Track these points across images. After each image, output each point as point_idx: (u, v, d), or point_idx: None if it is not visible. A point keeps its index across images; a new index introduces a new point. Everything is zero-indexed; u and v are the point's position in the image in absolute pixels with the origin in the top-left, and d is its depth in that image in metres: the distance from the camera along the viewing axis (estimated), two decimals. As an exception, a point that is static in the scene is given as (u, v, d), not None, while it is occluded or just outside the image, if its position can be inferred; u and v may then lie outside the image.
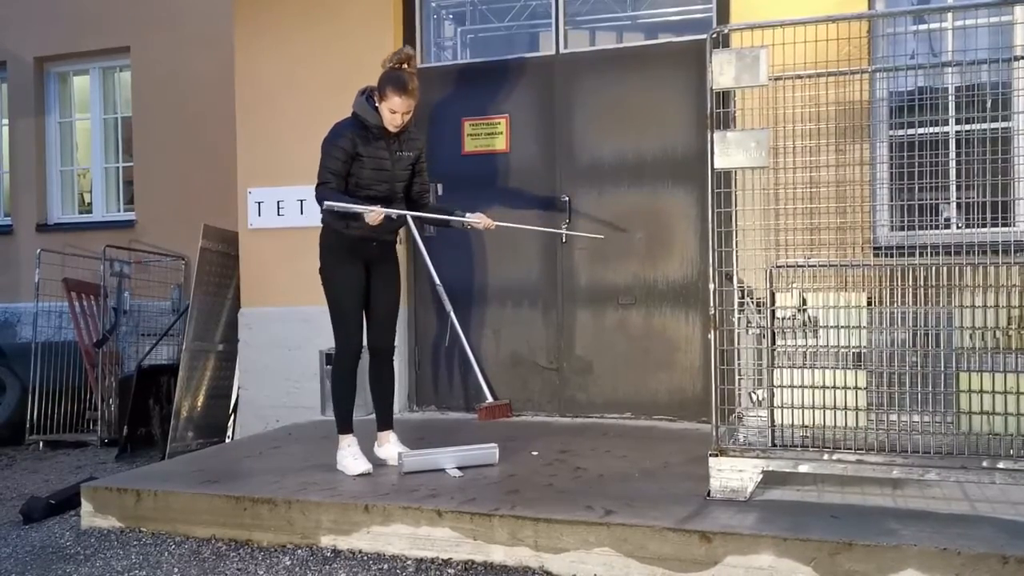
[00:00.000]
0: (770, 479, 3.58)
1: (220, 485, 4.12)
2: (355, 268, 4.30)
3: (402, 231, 4.72)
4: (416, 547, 3.58)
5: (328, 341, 5.58)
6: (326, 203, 4.08)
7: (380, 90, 4.15)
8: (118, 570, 3.62)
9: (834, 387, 3.45)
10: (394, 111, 4.13)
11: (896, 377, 3.45)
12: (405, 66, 4.19)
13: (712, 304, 3.53)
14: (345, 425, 4.32)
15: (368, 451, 4.34)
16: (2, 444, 6.98)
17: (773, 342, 3.53)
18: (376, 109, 4.16)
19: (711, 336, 3.55)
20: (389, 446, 4.41)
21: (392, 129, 4.20)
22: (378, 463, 4.34)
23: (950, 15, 4.57)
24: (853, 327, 3.50)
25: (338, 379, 4.37)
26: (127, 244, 7.79)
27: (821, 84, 4.07)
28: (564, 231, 5.47)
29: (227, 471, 4.49)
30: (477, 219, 4.51)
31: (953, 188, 4.37)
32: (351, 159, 4.15)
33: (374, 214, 4.07)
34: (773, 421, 3.49)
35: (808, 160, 4.15)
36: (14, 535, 4.27)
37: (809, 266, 3.72)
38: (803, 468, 3.43)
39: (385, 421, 4.45)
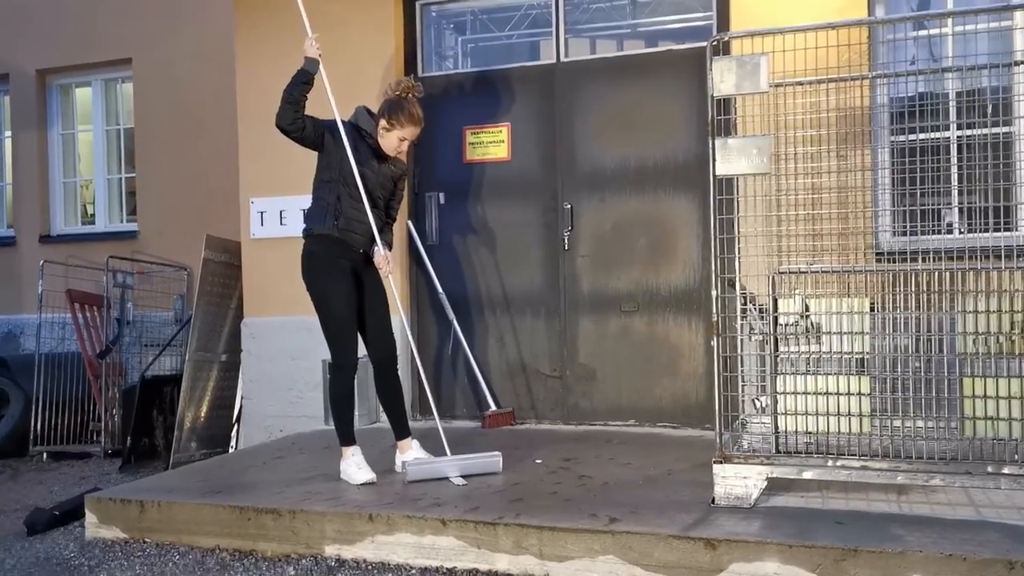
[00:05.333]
0: (774, 485, 3.57)
1: (224, 495, 4.12)
2: (345, 278, 4.25)
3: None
4: (420, 556, 3.57)
5: (331, 350, 5.61)
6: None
7: (390, 116, 4.22)
8: (122, 581, 3.63)
9: (838, 393, 3.45)
10: (403, 139, 4.25)
11: (900, 383, 3.44)
12: (410, 95, 4.26)
13: (715, 310, 3.53)
14: (347, 439, 4.31)
15: (374, 460, 4.34)
16: (6, 456, 6.98)
17: (776, 348, 3.53)
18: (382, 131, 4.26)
19: (714, 343, 3.55)
20: (411, 452, 4.41)
21: (392, 154, 4.30)
22: (399, 473, 4.36)
23: (950, 21, 4.58)
24: (856, 333, 3.49)
25: (336, 395, 4.32)
26: (130, 255, 7.81)
27: (822, 90, 4.08)
28: None
29: (231, 481, 4.49)
30: (379, 258, 4.35)
31: (955, 193, 4.38)
32: (325, 133, 4.27)
33: (312, 50, 4.33)
34: (777, 427, 3.48)
35: (809, 166, 4.15)
36: (18, 547, 4.26)
37: (812, 272, 3.72)
38: (807, 474, 3.42)
39: (402, 430, 4.44)
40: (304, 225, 4.36)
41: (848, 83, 4.16)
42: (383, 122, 4.26)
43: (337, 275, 4.24)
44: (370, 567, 3.59)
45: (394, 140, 4.26)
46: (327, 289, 4.23)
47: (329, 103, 4.41)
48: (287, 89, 4.23)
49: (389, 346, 4.43)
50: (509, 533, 3.44)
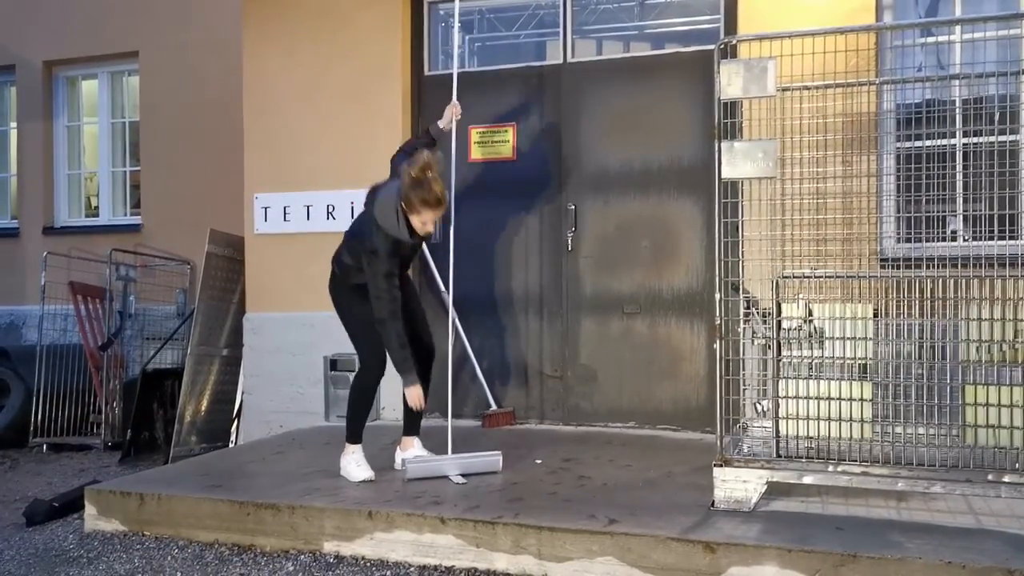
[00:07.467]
0: (774, 490, 3.57)
1: (223, 490, 4.12)
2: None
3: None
4: (419, 554, 3.57)
5: (332, 346, 5.62)
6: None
7: (408, 202, 3.98)
8: (121, 574, 3.63)
9: (839, 399, 3.45)
10: (426, 222, 4.04)
11: (902, 389, 3.44)
12: (429, 172, 3.97)
13: (718, 314, 3.53)
14: (355, 436, 4.32)
15: (372, 457, 4.34)
16: (6, 446, 6.98)
17: (778, 353, 3.53)
18: (406, 219, 4.03)
19: (716, 346, 3.55)
20: (412, 450, 4.43)
21: (423, 233, 4.12)
22: (398, 469, 4.38)
23: (958, 28, 4.58)
24: (859, 339, 3.49)
25: (360, 393, 4.33)
26: (133, 248, 7.81)
27: (829, 95, 4.08)
28: None
29: (231, 476, 4.49)
30: (446, 119, 4.63)
31: (960, 200, 4.38)
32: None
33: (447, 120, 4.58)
34: (778, 432, 3.49)
35: (815, 171, 4.15)
36: (17, 537, 4.27)
37: (815, 277, 3.72)
38: (808, 479, 3.42)
39: (412, 426, 4.45)
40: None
41: (855, 88, 4.16)
42: (402, 204, 4.03)
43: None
44: (368, 564, 3.59)
45: (416, 223, 4.06)
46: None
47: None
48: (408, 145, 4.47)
49: (429, 345, 4.46)
50: (508, 533, 3.44)
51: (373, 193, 4.20)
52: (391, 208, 4.01)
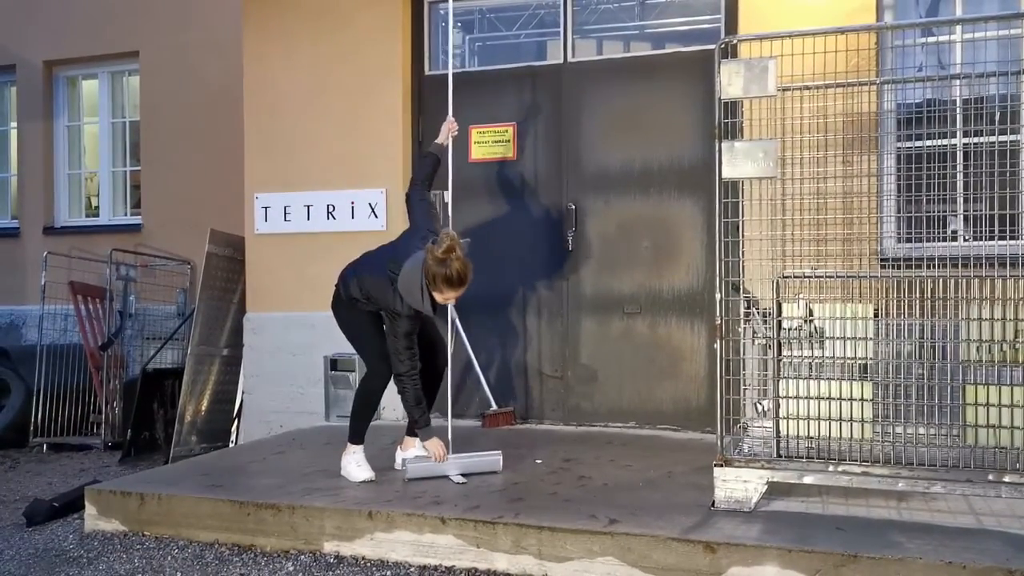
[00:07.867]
0: (775, 490, 3.57)
1: (224, 490, 4.12)
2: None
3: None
4: (419, 554, 3.57)
5: (332, 346, 5.62)
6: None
7: (431, 281, 3.95)
8: (121, 574, 3.62)
9: (840, 399, 3.45)
10: (448, 298, 4.06)
11: (902, 389, 3.44)
12: (452, 253, 3.92)
13: (718, 314, 3.53)
14: (358, 437, 4.33)
15: (372, 458, 4.34)
16: (6, 446, 6.98)
17: (779, 353, 3.53)
18: (430, 293, 4.00)
19: (717, 346, 3.55)
20: (413, 450, 4.45)
21: (444, 304, 4.19)
22: (398, 469, 4.40)
23: (958, 28, 4.58)
24: (859, 339, 3.49)
25: (365, 395, 4.35)
26: (133, 248, 7.81)
27: (829, 95, 4.08)
28: None
29: (231, 476, 4.49)
30: (444, 135, 4.74)
31: (960, 200, 4.38)
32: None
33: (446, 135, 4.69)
34: (778, 432, 3.48)
35: (815, 171, 4.15)
36: (17, 538, 4.27)
37: (816, 277, 3.72)
38: (808, 479, 3.42)
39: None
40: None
41: (855, 88, 4.16)
42: (425, 281, 4.01)
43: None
44: (369, 564, 3.59)
45: (439, 298, 4.06)
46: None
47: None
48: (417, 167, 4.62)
49: (444, 359, 4.51)
50: (508, 533, 3.44)
51: (368, 262, 4.28)
52: (415, 283, 3.98)
